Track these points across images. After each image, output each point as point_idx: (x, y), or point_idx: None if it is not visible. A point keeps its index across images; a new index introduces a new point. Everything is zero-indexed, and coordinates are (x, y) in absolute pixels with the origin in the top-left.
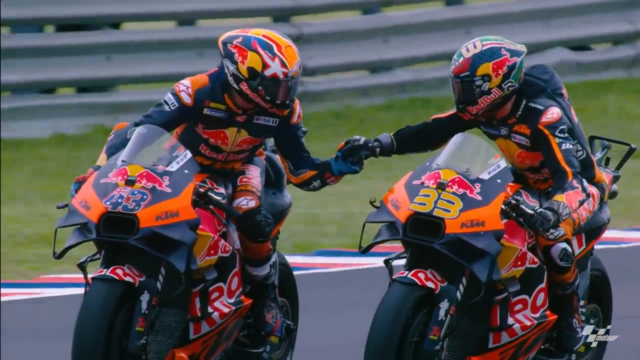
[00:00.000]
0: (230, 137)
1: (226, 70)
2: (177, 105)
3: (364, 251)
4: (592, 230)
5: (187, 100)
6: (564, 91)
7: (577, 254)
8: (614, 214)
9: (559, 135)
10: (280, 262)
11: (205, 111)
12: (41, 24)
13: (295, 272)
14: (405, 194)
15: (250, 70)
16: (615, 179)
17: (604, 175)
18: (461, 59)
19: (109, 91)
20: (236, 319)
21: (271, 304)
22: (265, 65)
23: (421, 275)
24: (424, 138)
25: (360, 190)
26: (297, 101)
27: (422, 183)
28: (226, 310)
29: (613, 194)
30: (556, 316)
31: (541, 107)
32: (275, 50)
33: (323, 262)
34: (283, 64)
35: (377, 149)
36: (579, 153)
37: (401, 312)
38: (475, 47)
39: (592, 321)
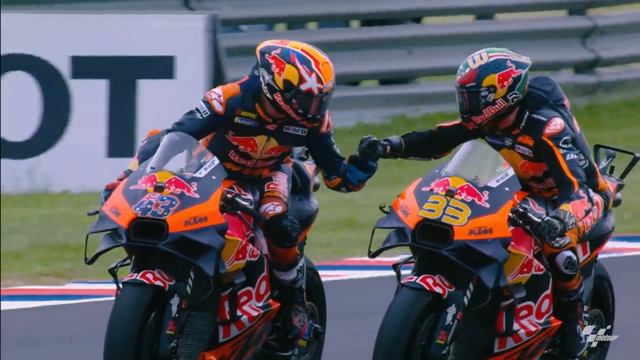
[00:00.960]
0: (260, 144)
1: (261, 79)
2: (209, 113)
3: (373, 256)
4: (596, 238)
5: (219, 108)
6: (566, 102)
7: (581, 261)
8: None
9: (562, 146)
10: (308, 267)
11: (237, 120)
12: (347, 19)
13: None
14: (415, 201)
15: (286, 82)
16: (620, 187)
17: (608, 183)
18: (467, 70)
19: (410, 83)
20: (264, 323)
21: (298, 308)
22: (301, 80)
23: (429, 281)
24: (428, 145)
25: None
26: (327, 110)
27: (431, 190)
28: (255, 313)
29: (617, 202)
30: (560, 322)
31: (544, 119)
32: (313, 66)
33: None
34: (319, 80)
35: (388, 147)
36: (582, 162)
37: (409, 317)
38: (481, 58)
39: (595, 326)
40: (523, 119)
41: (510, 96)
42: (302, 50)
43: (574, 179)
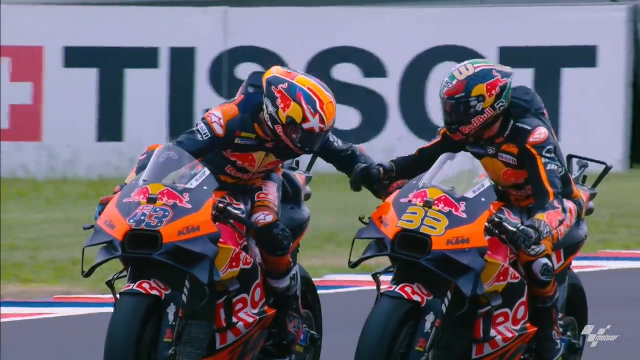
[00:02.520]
0: (258, 160)
1: (264, 107)
2: (209, 136)
3: (354, 266)
4: (570, 246)
5: (220, 131)
6: (545, 111)
7: (556, 268)
8: None
9: (545, 155)
10: (302, 276)
11: (237, 141)
12: None
13: None
14: (394, 212)
15: (290, 119)
16: (592, 196)
17: (581, 192)
18: (455, 82)
19: None
20: (261, 329)
21: (293, 314)
22: (305, 119)
23: (408, 290)
24: (416, 167)
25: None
26: None
27: (410, 201)
28: (250, 320)
29: (590, 211)
30: (536, 328)
31: (529, 127)
32: (318, 107)
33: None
34: (322, 121)
35: (381, 169)
36: (560, 171)
37: (389, 325)
38: (467, 69)
39: (569, 333)
40: (508, 128)
41: (497, 105)
42: (309, 88)
43: (550, 190)
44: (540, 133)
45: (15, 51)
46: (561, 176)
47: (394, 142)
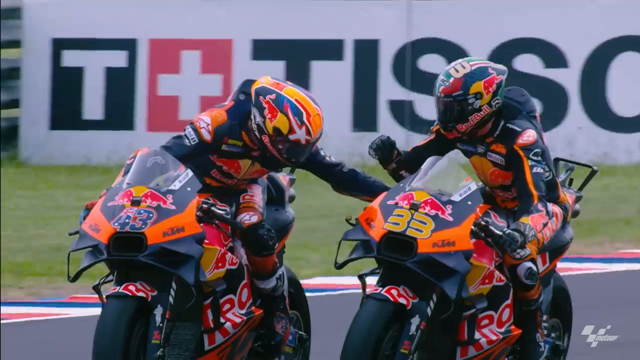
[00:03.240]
0: (244, 167)
1: (252, 117)
2: (197, 141)
3: (340, 267)
4: (555, 249)
5: (207, 137)
6: (537, 114)
7: (541, 271)
8: None
9: (532, 157)
10: (289, 277)
11: (224, 147)
12: None
13: None
14: (380, 214)
15: (276, 129)
16: (578, 199)
17: (567, 196)
18: (451, 79)
19: None
20: (249, 329)
21: (280, 315)
22: (291, 130)
23: (394, 292)
24: (410, 166)
25: None
26: None
27: (396, 203)
28: (238, 320)
29: (575, 214)
30: (520, 330)
31: (518, 129)
32: (304, 118)
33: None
34: (308, 132)
35: (396, 150)
36: (546, 175)
37: (374, 327)
38: (463, 67)
39: (553, 335)
40: (498, 128)
41: (493, 102)
42: (297, 100)
43: (534, 192)
44: (529, 135)
45: (205, 44)
46: (547, 180)
47: (574, 131)
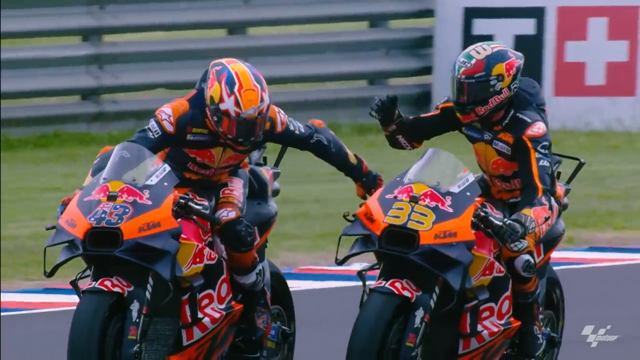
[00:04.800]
0: (217, 155)
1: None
2: (160, 133)
3: (340, 263)
4: (549, 240)
5: (170, 128)
6: (546, 108)
7: (536, 263)
8: None
9: (540, 150)
10: (272, 271)
11: (189, 137)
12: None
13: None
14: (379, 208)
15: (211, 98)
16: (567, 192)
17: (559, 189)
18: (473, 61)
19: None
20: (228, 324)
21: (261, 310)
22: (221, 99)
23: (398, 285)
24: (411, 131)
25: None
26: (276, 109)
27: (395, 197)
28: (217, 315)
29: (564, 207)
30: (519, 322)
31: (528, 120)
32: (235, 89)
33: None
34: (237, 104)
35: (397, 110)
36: (550, 169)
37: (380, 320)
38: (484, 49)
39: (547, 328)
40: (507, 117)
41: (513, 85)
42: (236, 72)
43: (539, 185)
44: (539, 127)
45: (612, 11)
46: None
47: None
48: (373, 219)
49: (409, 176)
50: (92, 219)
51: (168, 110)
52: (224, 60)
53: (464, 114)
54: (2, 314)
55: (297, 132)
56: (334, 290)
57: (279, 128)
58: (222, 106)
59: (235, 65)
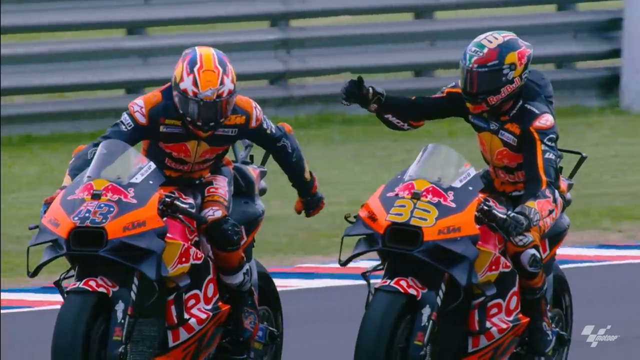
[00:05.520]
0: (192, 149)
1: None
2: (132, 125)
3: (344, 264)
4: (554, 235)
5: (142, 120)
6: (553, 100)
7: (542, 258)
8: None
9: (546, 142)
10: (260, 272)
11: (162, 129)
12: None
13: None
14: (381, 206)
15: (174, 78)
16: (570, 187)
17: (563, 184)
18: (486, 50)
19: None
20: (215, 325)
21: (249, 310)
22: (181, 78)
23: (403, 283)
24: (407, 109)
25: None
26: (253, 104)
27: (397, 194)
28: (203, 316)
29: (568, 202)
30: (528, 319)
31: (536, 111)
32: (195, 69)
33: None
34: (195, 83)
35: (371, 89)
36: (557, 161)
37: (387, 319)
38: (496, 38)
39: (555, 326)
40: (515, 107)
41: (524, 75)
42: (200, 54)
43: (544, 178)
44: (547, 120)
45: None
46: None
47: None
48: (375, 218)
49: (410, 173)
50: (76, 218)
51: (140, 102)
52: (197, 47)
53: (475, 103)
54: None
55: (268, 131)
56: (322, 290)
57: (253, 124)
58: (182, 85)
59: (203, 49)
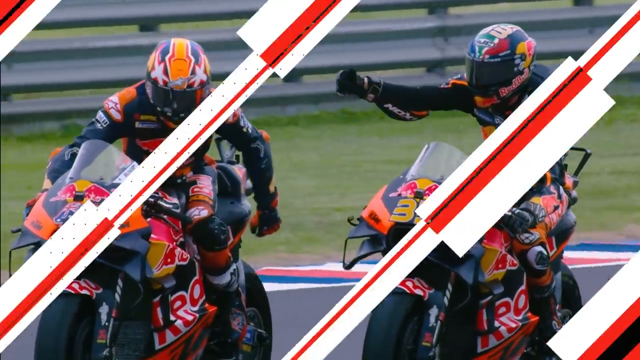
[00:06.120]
0: None
1: None
2: (108, 122)
3: (348, 267)
4: (561, 233)
5: (117, 116)
6: None
7: (549, 256)
8: None
9: None
10: (248, 272)
11: (137, 125)
12: None
13: None
14: (384, 207)
15: (147, 67)
16: (575, 184)
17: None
18: (496, 40)
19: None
20: (202, 327)
21: (236, 311)
22: (153, 67)
23: (409, 284)
24: (408, 97)
25: None
26: None
27: (399, 194)
28: (190, 318)
29: (574, 200)
30: (537, 317)
31: None
32: (166, 57)
33: None
34: (165, 72)
35: (366, 80)
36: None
37: (394, 321)
38: (504, 29)
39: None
40: (521, 102)
41: (532, 66)
42: (174, 43)
43: (548, 174)
44: None
45: None
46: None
47: None
48: (378, 219)
49: (412, 172)
50: (59, 219)
51: (115, 99)
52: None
53: (486, 96)
54: None
55: (245, 129)
56: (307, 291)
57: (230, 119)
58: (153, 74)
59: (178, 39)
